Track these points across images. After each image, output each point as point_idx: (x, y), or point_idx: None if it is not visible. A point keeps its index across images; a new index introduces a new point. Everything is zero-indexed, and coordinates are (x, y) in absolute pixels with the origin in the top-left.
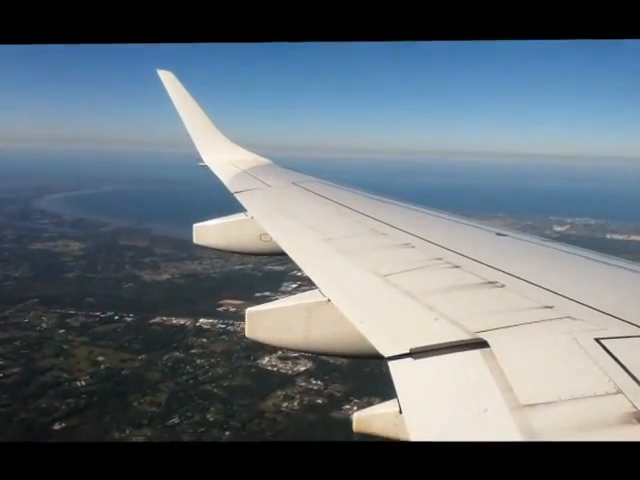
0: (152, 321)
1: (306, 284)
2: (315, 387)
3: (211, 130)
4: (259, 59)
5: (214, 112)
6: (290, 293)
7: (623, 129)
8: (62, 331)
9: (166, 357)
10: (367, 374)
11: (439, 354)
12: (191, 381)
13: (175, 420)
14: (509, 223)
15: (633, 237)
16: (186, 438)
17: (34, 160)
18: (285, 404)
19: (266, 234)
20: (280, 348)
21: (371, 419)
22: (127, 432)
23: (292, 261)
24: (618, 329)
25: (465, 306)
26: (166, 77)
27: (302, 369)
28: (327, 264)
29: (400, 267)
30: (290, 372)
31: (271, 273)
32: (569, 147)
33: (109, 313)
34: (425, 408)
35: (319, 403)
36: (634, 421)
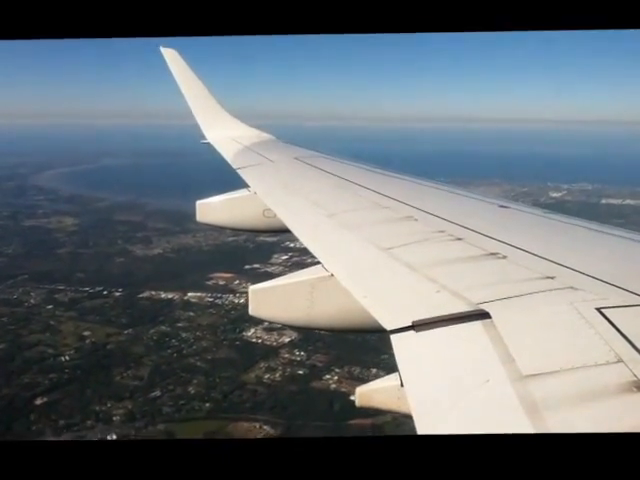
0: (141, 296)
1: (297, 255)
2: (298, 358)
3: (213, 107)
4: None
5: (213, 80)
6: (280, 265)
7: (621, 92)
8: (50, 307)
9: (152, 331)
10: (350, 343)
11: (441, 326)
12: (175, 354)
13: (157, 393)
14: (505, 189)
15: (628, 201)
16: (166, 410)
17: (34, 136)
18: (267, 375)
19: (269, 210)
20: (284, 325)
21: (373, 393)
22: (108, 405)
23: (288, 234)
24: (619, 298)
25: (467, 278)
26: (169, 55)
27: (287, 340)
28: (330, 239)
29: (403, 240)
30: (275, 344)
31: (262, 245)
32: (568, 112)
33: (98, 288)
34: (426, 380)
35: (300, 374)
36: (634, 389)
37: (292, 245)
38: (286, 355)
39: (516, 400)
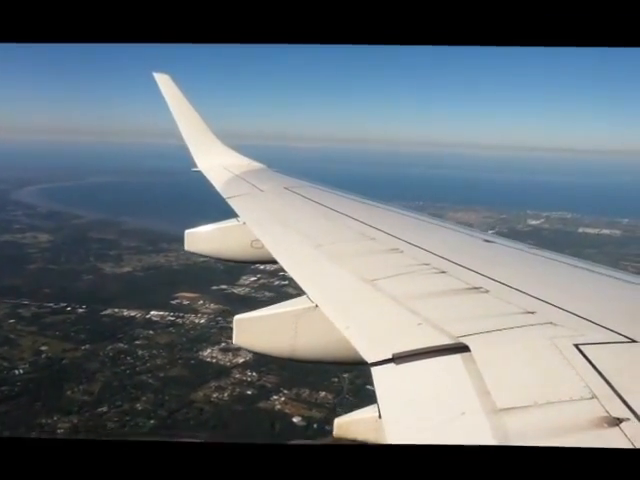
0: (103, 313)
1: (265, 277)
2: (249, 379)
3: (206, 135)
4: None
5: (205, 101)
6: (247, 286)
7: (613, 123)
8: (12, 321)
9: (109, 348)
10: (303, 365)
11: (421, 359)
12: (128, 371)
13: (104, 409)
14: (484, 216)
15: (604, 231)
16: (110, 425)
17: (21, 152)
18: (215, 395)
19: (257, 240)
20: (268, 356)
21: (350, 425)
22: (55, 418)
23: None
24: (597, 335)
25: (449, 311)
26: (162, 80)
27: (241, 361)
28: (316, 270)
29: (387, 272)
30: (228, 364)
31: (232, 267)
32: (554, 140)
33: (62, 304)
34: (403, 412)
35: (248, 394)
36: (605, 425)
37: (262, 267)
38: (237, 375)
39: (489, 433)
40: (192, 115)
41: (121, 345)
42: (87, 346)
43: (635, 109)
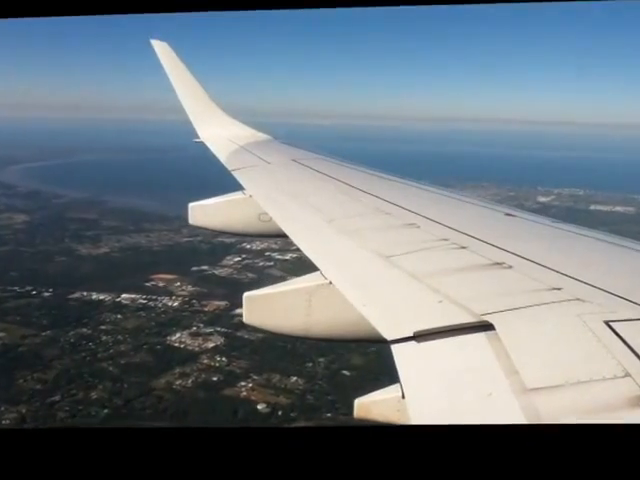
0: (71, 296)
1: (250, 257)
2: (217, 364)
3: (207, 104)
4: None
5: (202, 74)
6: (229, 267)
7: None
8: None
9: (72, 333)
10: (278, 349)
11: (443, 337)
12: (88, 358)
13: (56, 398)
14: (492, 193)
15: (617, 208)
16: (61, 415)
17: (11, 129)
18: (179, 382)
19: (265, 214)
20: (279, 335)
21: (371, 405)
22: (1, 409)
23: (241, 237)
24: (629, 312)
25: (471, 288)
26: (160, 48)
27: (210, 345)
28: (329, 245)
29: (404, 248)
30: (197, 349)
31: (218, 246)
32: (568, 114)
33: (27, 288)
34: (428, 392)
35: (214, 380)
36: None
37: (248, 247)
38: (205, 361)
39: (520, 414)
40: (192, 84)
41: (84, 330)
42: (48, 332)
43: None
